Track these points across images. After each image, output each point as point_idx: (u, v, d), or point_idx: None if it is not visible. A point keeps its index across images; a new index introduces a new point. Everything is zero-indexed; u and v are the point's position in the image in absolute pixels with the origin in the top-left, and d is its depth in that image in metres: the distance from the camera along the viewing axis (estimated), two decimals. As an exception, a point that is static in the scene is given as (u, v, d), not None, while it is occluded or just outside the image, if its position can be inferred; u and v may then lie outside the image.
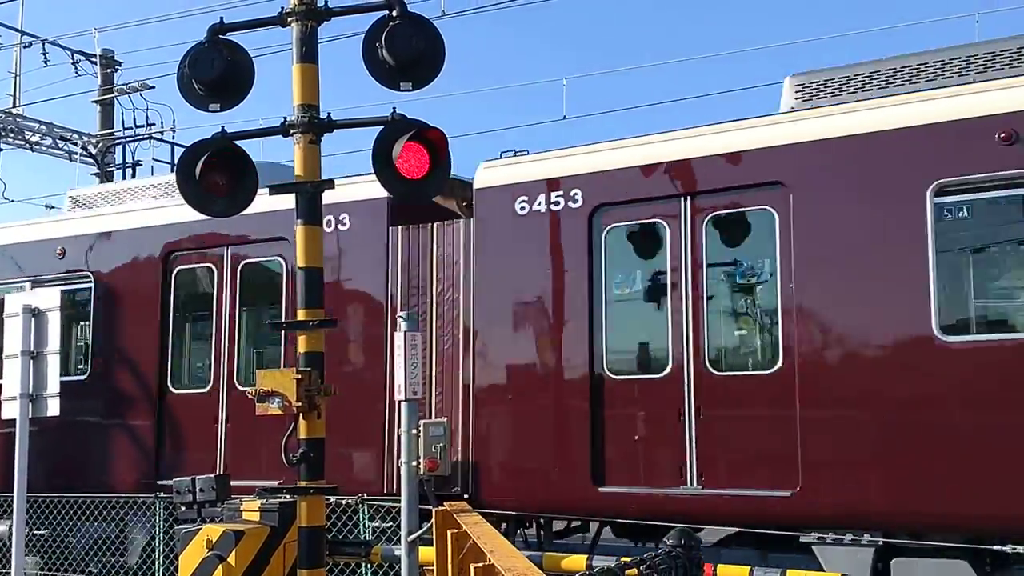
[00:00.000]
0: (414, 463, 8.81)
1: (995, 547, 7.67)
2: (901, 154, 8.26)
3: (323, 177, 7.12)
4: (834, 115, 8.74)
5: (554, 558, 8.94)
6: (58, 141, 21.98)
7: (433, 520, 7.89)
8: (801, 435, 8.33)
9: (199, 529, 7.86)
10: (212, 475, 8.85)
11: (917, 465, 7.93)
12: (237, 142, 7.09)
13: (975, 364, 7.86)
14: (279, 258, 11.14)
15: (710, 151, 9.09)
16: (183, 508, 8.76)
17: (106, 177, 22.24)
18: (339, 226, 10.65)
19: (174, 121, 22.10)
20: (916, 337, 8.03)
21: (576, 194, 9.51)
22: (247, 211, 11.13)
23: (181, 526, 8.24)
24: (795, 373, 8.44)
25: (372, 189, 10.02)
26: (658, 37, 51.94)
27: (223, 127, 7.04)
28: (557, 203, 9.62)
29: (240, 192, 7.10)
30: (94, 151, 22.45)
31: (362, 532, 10.05)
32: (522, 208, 9.70)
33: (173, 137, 22.07)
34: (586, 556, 8.88)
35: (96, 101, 22.79)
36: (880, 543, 8.10)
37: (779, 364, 8.59)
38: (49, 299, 10.08)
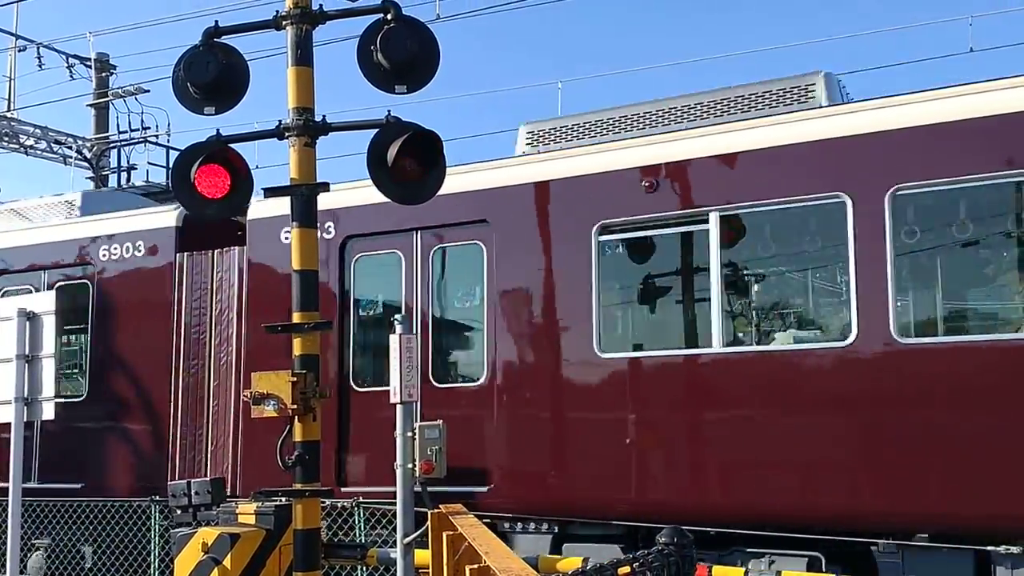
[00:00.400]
0: (409, 465, 8.81)
1: (645, 524, 8.86)
2: (577, 197, 9.65)
3: (318, 180, 7.12)
4: (530, 163, 10.09)
5: (550, 559, 8.96)
6: (53, 145, 21.95)
7: (429, 522, 7.90)
8: (496, 439, 9.69)
9: (195, 532, 7.86)
10: (207, 478, 8.85)
11: (584, 461, 9.34)
12: (232, 145, 7.08)
13: (628, 376, 9.28)
14: (87, 281, 12.28)
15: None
16: (178, 511, 8.76)
17: (101, 181, 22.20)
18: (135, 252, 12.07)
19: (169, 125, 21.98)
20: (583, 354, 9.44)
21: (329, 226, 10.64)
22: (59, 238, 12.68)
23: (176, 529, 8.23)
24: (494, 385, 9.79)
25: (163, 218, 12.04)
26: (658, 39, 52.08)
27: (218, 130, 7.04)
28: None
29: (235, 195, 7.08)
30: (89, 155, 22.41)
31: (358, 535, 10.07)
32: (286, 238, 10.42)
33: (168, 141, 22.00)
34: (582, 557, 8.90)
35: (91, 105, 22.76)
36: (555, 531, 9.41)
37: (483, 378, 9.93)
38: (44, 302, 10.06)
